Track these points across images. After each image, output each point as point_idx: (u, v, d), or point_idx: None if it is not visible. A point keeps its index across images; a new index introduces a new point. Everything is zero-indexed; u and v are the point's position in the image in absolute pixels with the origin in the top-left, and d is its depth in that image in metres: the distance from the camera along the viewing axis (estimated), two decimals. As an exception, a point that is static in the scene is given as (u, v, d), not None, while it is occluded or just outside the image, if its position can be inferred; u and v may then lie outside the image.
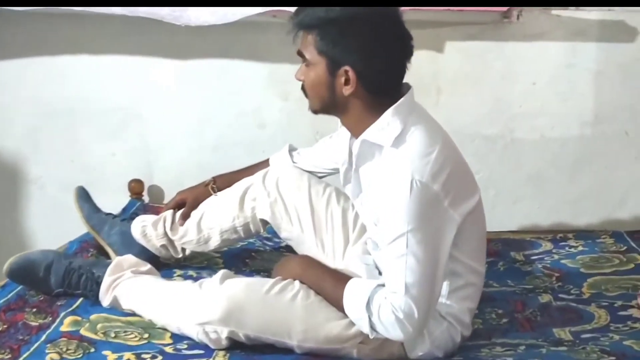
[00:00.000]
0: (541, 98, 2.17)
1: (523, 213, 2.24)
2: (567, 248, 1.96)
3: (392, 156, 1.22)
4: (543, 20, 2.11)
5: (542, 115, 2.18)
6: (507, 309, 1.56)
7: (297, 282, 1.31)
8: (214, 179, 1.69)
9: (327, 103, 1.29)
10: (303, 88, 1.33)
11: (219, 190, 1.67)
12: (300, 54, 1.30)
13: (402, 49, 1.24)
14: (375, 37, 1.21)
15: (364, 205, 1.37)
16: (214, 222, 1.62)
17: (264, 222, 1.61)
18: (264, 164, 1.69)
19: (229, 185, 1.66)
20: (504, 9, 1.99)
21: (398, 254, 1.17)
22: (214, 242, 1.63)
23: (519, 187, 2.24)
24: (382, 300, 1.19)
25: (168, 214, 1.67)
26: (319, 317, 1.28)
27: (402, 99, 1.25)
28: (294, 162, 1.65)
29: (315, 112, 1.34)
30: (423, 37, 2.12)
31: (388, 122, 1.24)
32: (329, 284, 1.30)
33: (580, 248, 1.95)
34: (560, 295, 1.64)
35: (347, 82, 1.23)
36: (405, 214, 1.16)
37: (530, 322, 1.52)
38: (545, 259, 1.89)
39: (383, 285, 1.22)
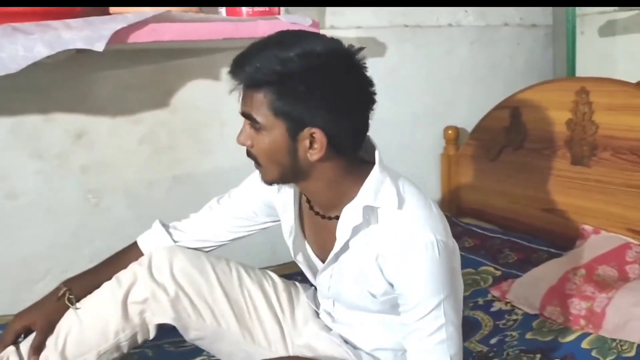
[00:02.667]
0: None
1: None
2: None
3: (400, 219, 1.06)
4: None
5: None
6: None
7: None
8: (67, 286, 1.23)
9: (288, 171, 1.06)
10: (250, 154, 1.07)
11: (78, 300, 1.23)
12: (247, 115, 1.03)
13: (369, 100, 1.07)
14: (343, 90, 1.02)
15: (340, 276, 1.16)
16: (86, 345, 1.19)
17: (158, 327, 1.25)
18: (132, 252, 1.31)
19: (90, 291, 1.24)
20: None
21: (436, 326, 1.05)
22: (90, 372, 1.20)
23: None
24: None
25: (10, 352, 1.16)
26: None
27: (377, 154, 1.11)
28: (175, 242, 1.31)
29: (272, 182, 1.09)
30: (198, 65, 1.94)
31: (381, 182, 1.08)
32: None
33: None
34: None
35: (311, 145, 1.03)
36: (440, 281, 1.04)
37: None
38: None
39: None
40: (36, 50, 1.37)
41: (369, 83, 1.06)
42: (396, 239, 1.05)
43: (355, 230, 1.09)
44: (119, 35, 1.48)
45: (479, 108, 2.37)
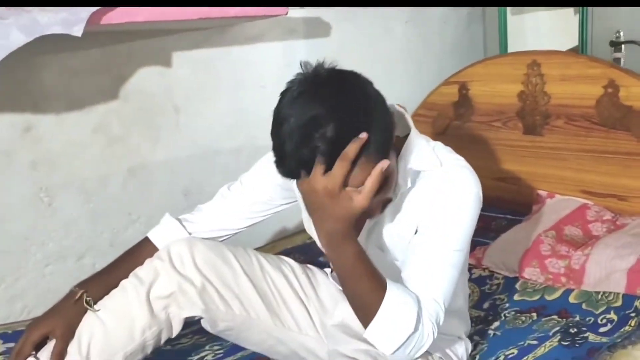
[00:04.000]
0: (271, 101, 2.12)
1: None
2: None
3: (443, 175, 1.08)
4: (260, 21, 2.06)
5: (275, 118, 2.16)
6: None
7: None
8: (82, 289, 1.13)
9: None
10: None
11: (96, 302, 1.13)
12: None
13: (380, 99, 1.05)
14: (371, 111, 1.00)
15: (375, 246, 1.17)
16: (112, 348, 1.10)
17: (182, 322, 1.18)
18: (145, 247, 1.22)
19: (107, 292, 1.14)
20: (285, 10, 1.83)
21: (448, 263, 1.05)
22: (118, 375, 1.11)
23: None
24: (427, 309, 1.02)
25: (29, 364, 1.05)
26: None
27: (410, 120, 1.12)
28: (189, 233, 1.24)
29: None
30: (147, 49, 1.84)
31: (420, 146, 1.10)
32: (367, 284, 0.99)
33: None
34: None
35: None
36: (470, 227, 1.09)
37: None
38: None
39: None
40: (12, 38, 1.23)
41: (372, 90, 1.05)
42: (441, 188, 1.08)
43: (402, 196, 1.10)
44: (93, 17, 1.36)
45: (417, 84, 2.44)
